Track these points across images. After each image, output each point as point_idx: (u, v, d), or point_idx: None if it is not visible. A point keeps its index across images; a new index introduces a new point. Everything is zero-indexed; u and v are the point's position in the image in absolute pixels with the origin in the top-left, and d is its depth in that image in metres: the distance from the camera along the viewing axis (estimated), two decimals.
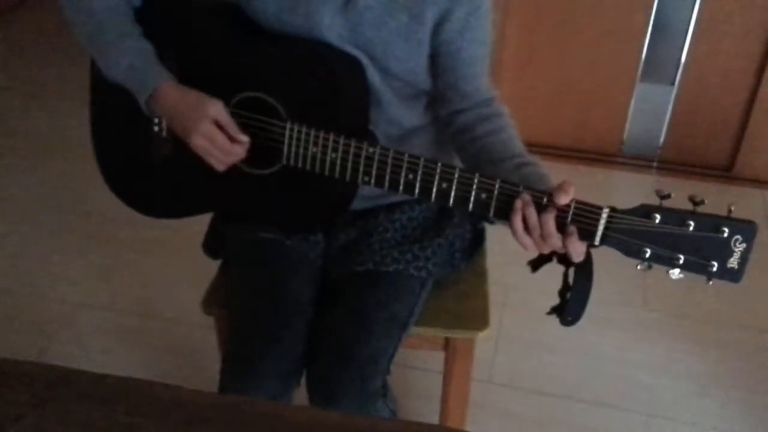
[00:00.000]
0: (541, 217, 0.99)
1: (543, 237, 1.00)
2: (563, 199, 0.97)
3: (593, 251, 1.03)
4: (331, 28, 1.15)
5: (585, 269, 1.04)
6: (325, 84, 1.16)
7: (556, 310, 1.09)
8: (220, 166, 1.20)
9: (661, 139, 2.66)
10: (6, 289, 2.12)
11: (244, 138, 1.18)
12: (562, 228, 0.99)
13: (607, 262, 1.09)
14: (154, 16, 1.26)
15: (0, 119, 2.92)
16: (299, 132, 1.14)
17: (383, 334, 1.21)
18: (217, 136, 1.16)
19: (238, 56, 1.22)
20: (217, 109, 1.17)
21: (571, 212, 0.98)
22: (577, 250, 1.00)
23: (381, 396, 1.21)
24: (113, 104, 1.24)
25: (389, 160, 1.09)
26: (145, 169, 1.30)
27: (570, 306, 1.06)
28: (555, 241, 1.00)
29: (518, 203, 1.00)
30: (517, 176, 1.07)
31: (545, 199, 0.99)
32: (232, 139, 1.17)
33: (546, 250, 1.02)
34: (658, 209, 0.93)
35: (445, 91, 1.22)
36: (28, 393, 0.84)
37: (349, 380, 1.17)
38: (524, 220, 1.00)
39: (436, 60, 1.19)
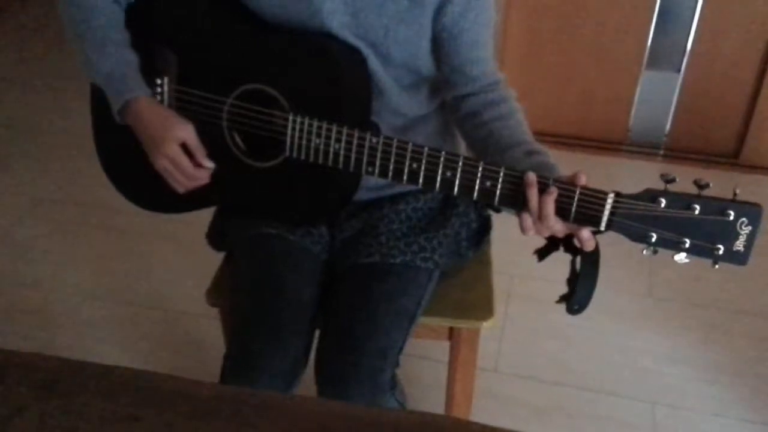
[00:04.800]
0: (541, 197, 0.99)
1: (540, 219, 0.99)
2: (584, 178, 0.98)
3: (599, 239, 1.02)
4: (333, 14, 1.15)
5: (592, 257, 1.04)
6: (327, 75, 1.16)
7: (565, 298, 1.08)
8: (180, 189, 1.24)
9: (667, 127, 2.65)
10: (11, 281, 2.12)
11: (209, 164, 1.22)
12: (566, 214, 0.99)
13: (614, 251, 1.08)
14: (153, 10, 1.26)
15: (4, 112, 2.93)
16: (302, 123, 1.14)
17: (392, 327, 1.21)
18: (181, 160, 1.20)
19: (239, 48, 1.21)
20: (186, 131, 1.20)
21: (576, 198, 0.97)
22: (584, 236, 0.99)
23: (390, 389, 1.20)
24: None
25: (393, 150, 1.08)
26: (147, 164, 1.30)
27: (576, 294, 1.05)
28: (552, 224, 0.99)
29: (527, 178, 1.00)
30: (526, 164, 1.07)
31: (550, 181, 0.99)
32: (197, 164, 1.20)
33: (544, 233, 1.02)
34: (664, 193, 0.92)
35: (450, 76, 1.21)
36: (31, 385, 0.84)
37: (360, 374, 1.17)
38: (525, 201, 1.00)
39: (440, 44, 1.18)
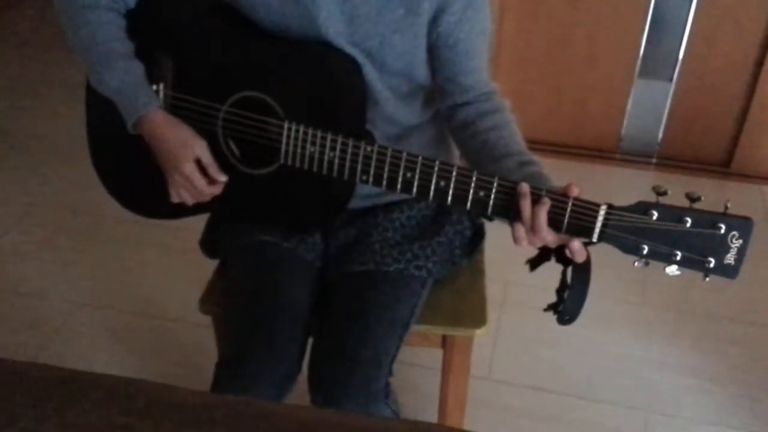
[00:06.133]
0: (533, 208, 0.99)
1: (533, 229, 1.00)
2: (576, 190, 0.99)
3: (591, 248, 1.03)
4: (329, 22, 1.15)
5: (583, 268, 1.04)
6: (323, 83, 1.16)
7: (553, 308, 1.09)
8: (190, 201, 1.25)
9: (660, 136, 2.66)
10: (4, 289, 2.11)
11: (223, 178, 1.23)
12: (558, 225, 0.99)
13: (606, 259, 1.09)
14: (150, 16, 1.26)
15: (0, 119, 2.92)
16: (297, 131, 1.14)
17: (386, 335, 1.21)
18: (197, 179, 1.21)
19: (236, 55, 1.22)
20: (200, 148, 1.21)
21: (568, 209, 0.98)
22: (575, 248, 1.00)
23: (384, 397, 1.20)
24: (108, 104, 1.24)
25: (387, 159, 1.09)
26: (140, 169, 1.30)
27: (567, 305, 1.06)
28: (545, 235, 1.00)
29: (520, 189, 1.00)
30: (519, 175, 1.07)
31: (543, 192, 0.99)
32: (211, 180, 1.22)
33: (536, 244, 1.03)
34: (656, 206, 0.93)
35: (444, 85, 1.22)
36: (25, 394, 0.84)
37: (353, 383, 1.17)
38: (518, 212, 1.00)
39: (434, 53, 1.19)
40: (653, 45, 2.48)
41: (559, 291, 1.07)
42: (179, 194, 1.24)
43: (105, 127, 1.34)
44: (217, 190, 1.24)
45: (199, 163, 1.21)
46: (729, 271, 0.93)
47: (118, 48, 1.22)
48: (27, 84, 3.14)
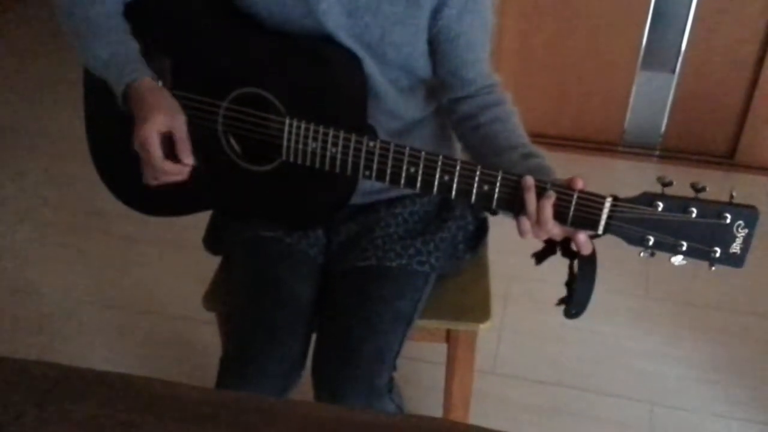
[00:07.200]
0: (539, 202, 0.99)
1: (539, 222, 0.99)
2: (581, 183, 0.98)
3: (596, 240, 1.02)
4: (328, 14, 1.14)
5: (589, 261, 1.04)
6: (323, 79, 1.15)
7: (565, 301, 1.08)
8: (149, 180, 1.17)
9: (663, 127, 2.65)
10: (8, 287, 2.12)
11: (188, 160, 1.13)
12: (564, 218, 0.99)
13: (610, 251, 1.08)
14: (148, 11, 1.25)
15: (3, 115, 2.92)
16: (298, 128, 1.14)
17: (389, 330, 1.21)
18: (153, 148, 1.11)
19: (235, 51, 1.21)
20: (174, 120, 1.13)
21: (574, 202, 0.97)
22: (581, 240, 0.99)
23: (387, 392, 1.20)
24: (107, 100, 1.23)
25: (390, 154, 1.08)
26: (139, 165, 1.30)
27: (574, 298, 1.05)
28: (550, 228, 0.99)
29: (525, 182, 1.00)
30: (523, 167, 1.07)
31: (548, 185, 0.99)
32: (175, 158, 1.13)
33: (542, 236, 1.02)
34: (661, 197, 0.93)
35: (445, 78, 1.21)
36: (28, 391, 0.84)
37: (357, 378, 1.17)
38: (523, 205, 1.00)
39: (436, 46, 1.18)
40: (656, 36, 2.47)
41: (569, 284, 1.07)
42: (143, 168, 1.16)
43: (103, 122, 1.34)
44: (178, 171, 1.14)
45: (170, 138, 1.14)
46: (735, 261, 0.93)
47: (112, 24, 1.20)
48: (36, 82, 3.15)
